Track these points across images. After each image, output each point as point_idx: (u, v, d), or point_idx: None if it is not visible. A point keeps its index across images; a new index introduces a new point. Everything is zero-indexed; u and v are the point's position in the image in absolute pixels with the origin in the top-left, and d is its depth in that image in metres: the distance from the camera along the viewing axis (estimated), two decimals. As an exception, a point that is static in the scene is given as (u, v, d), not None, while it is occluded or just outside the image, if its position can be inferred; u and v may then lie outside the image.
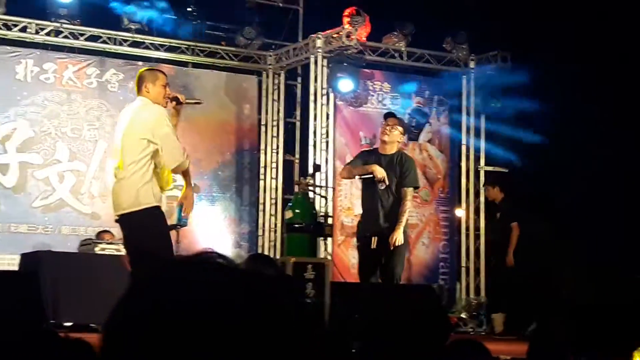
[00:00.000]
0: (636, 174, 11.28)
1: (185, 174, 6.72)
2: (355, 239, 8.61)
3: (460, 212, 12.81)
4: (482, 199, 12.70)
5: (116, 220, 6.73)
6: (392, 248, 7.58)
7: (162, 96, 6.70)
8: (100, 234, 10.31)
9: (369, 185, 8.06)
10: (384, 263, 7.72)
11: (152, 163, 6.53)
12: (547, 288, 10.02)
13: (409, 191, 7.94)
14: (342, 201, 12.10)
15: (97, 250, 9.14)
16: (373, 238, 7.70)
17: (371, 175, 7.90)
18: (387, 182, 7.81)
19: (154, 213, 6.48)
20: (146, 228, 6.39)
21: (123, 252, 8.97)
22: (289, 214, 7.02)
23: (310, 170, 11.46)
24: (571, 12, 11.42)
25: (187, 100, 6.95)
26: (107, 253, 9.11)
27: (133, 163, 6.47)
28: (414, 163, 8.45)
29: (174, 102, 6.80)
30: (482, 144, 12.80)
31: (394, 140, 8.11)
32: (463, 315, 11.87)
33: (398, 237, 7.60)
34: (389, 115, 8.75)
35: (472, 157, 12.82)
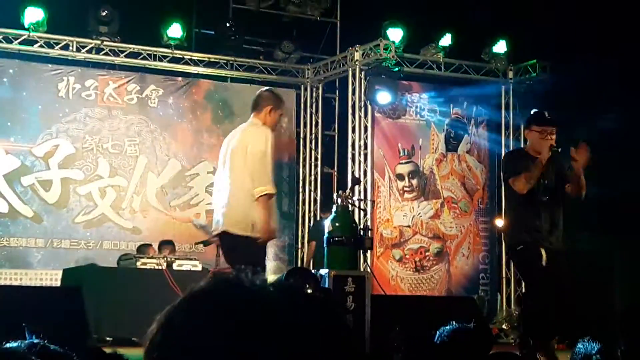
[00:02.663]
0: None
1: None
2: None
3: (500, 223, 12.73)
4: (522, 209, 12.60)
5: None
6: None
7: (273, 123, 6.82)
8: (141, 248, 10.39)
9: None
10: None
11: None
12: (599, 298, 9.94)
13: None
14: (381, 213, 12.09)
15: (139, 264, 9.22)
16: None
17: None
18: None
19: None
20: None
21: (164, 266, 9.06)
22: (329, 227, 7.02)
23: (349, 182, 11.47)
24: (611, 18, 11.33)
25: None
26: (148, 267, 9.18)
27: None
28: None
29: None
30: (522, 154, 12.71)
31: None
32: (504, 327, 11.78)
33: None
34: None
35: (511, 167, 12.73)
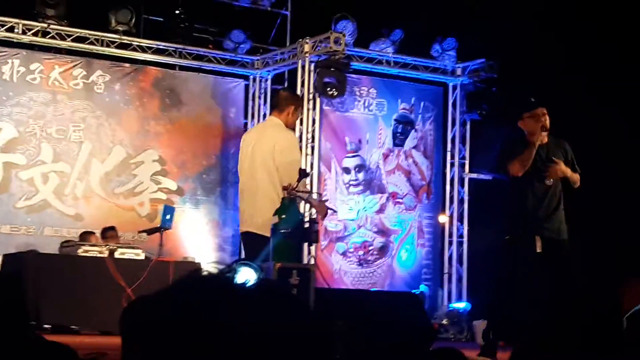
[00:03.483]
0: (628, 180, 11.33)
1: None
2: None
3: (443, 219, 12.85)
4: (466, 206, 12.76)
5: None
6: None
7: (294, 124, 7.41)
8: (84, 235, 10.28)
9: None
10: None
11: None
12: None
13: None
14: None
15: (80, 252, 9.10)
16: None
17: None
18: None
19: None
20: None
21: (106, 254, 8.97)
22: (274, 219, 7.00)
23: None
24: (558, 23, 11.47)
25: None
26: (90, 255, 9.06)
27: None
28: None
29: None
30: (467, 151, 12.86)
31: None
32: (444, 322, 11.88)
33: None
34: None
35: (457, 164, 12.87)
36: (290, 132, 7.28)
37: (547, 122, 6.63)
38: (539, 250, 6.53)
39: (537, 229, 6.55)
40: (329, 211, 8.56)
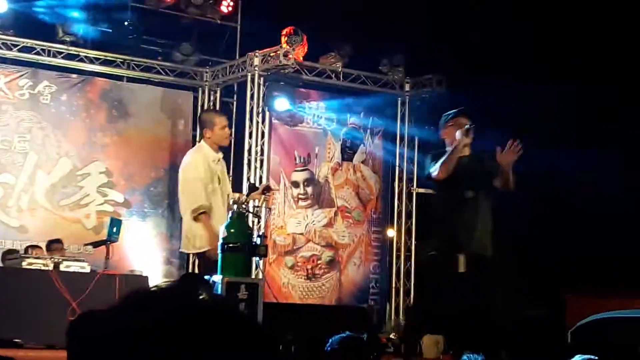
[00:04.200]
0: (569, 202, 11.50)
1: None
2: None
3: (391, 233, 12.90)
4: (413, 220, 12.83)
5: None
6: None
7: (224, 138, 8.07)
8: (29, 249, 10.13)
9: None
10: None
11: None
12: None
13: None
14: (275, 220, 12.09)
15: (24, 264, 8.95)
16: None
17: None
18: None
19: None
20: None
21: (51, 267, 8.84)
22: (223, 233, 6.97)
23: (245, 189, 11.42)
24: (509, 36, 11.62)
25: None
26: (34, 268, 8.92)
27: None
28: None
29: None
30: (415, 166, 12.94)
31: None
32: (392, 336, 11.91)
33: None
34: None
35: (405, 178, 12.94)
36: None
37: (469, 129, 6.55)
38: (461, 269, 6.40)
39: (459, 246, 6.39)
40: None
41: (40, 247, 10.24)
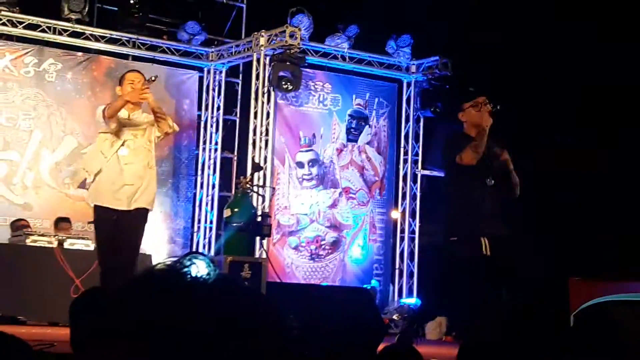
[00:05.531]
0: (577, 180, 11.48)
1: None
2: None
3: (395, 215, 12.90)
4: (418, 202, 12.83)
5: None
6: None
7: (135, 95, 6.74)
8: (15, 223, 10.21)
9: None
10: None
11: None
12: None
13: None
14: (280, 200, 12.09)
15: (29, 241, 8.98)
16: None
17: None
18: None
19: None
20: None
21: (55, 244, 8.86)
22: (227, 213, 6.97)
23: (249, 168, 11.43)
24: (512, 21, 11.57)
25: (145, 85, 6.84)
26: (38, 245, 8.95)
27: None
28: None
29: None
30: (420, 148, 12.93)
31: None
32: (395, 317, 11.94)
33: None
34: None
35: (410, 160, 12.93)
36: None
37: (490, 108, 6.39)
38: (485, 252, 6.37)
39: (481, 230, 6.31)
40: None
41: (26, 221, 10.33)
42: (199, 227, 12.52)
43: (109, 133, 6.62)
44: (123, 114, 6.69)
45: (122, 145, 6.57)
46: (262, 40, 11.70)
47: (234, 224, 6.92)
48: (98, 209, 6.68)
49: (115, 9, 12.10)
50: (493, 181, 6.35)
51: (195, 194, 12.55)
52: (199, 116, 12.70)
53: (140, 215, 6.63)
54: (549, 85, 11.43)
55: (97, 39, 11.86)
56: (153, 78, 6.75)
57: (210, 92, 12.75)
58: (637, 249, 9.89)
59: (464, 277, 6.42)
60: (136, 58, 12.20)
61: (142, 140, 6.64)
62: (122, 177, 6.53)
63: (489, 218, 6.33)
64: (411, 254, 12.78)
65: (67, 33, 11.61)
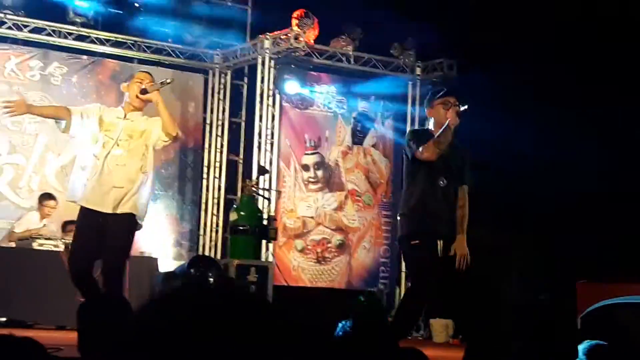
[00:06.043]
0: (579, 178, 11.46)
1: None
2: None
3: (401, 217, 12.88)
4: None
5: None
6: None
7: (135, 95, 6.43)
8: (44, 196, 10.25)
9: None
10: None
11: None
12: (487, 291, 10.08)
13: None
14: (285, 203, 12.09)
15: (35, 245, 8.99)
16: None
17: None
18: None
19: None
20: None
21: (61, 248, 8.87)
22: (234, 216, 6.96)
23: (255, 171, 11.42)
24: (518, 22, 11.56)
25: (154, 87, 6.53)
26: (44, 249, 8.96)
27: None
28: None
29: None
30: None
31: None
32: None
33: None
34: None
35: (415, 163, 12.89)
36: None
37: (459, 109, 6.30)
38: (440, 254, 6.14)
39: (438, 233, 6.17)
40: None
41: (54, 198, 10.25)
42: (204, 230, 12.51)
43: (103, 131, 6.35)
44: (119, 112, 6.49)
45: (116, 145, 6.30)
46: (267, 43, 11.71)
47: (240, 228, 6.91)
48: (83, 210, 6.52)
49: (120, 12, 12.10)
50: (445, 182, 6.23)
51: (201, 197, 12.55)
52: (205, 119, 12.71)
53: (124, 220, 6.33)
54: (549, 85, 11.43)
55: (102, 42, 11.87)
56: (168, 81, 6.52)
57: (216, 94, 12.76)
58: (637, 249, 9.87)
59: (431, 279, 6.31)
60: (141, 61, 12.21)
61: (138, 142, 6.39)
62: (111, 179, 6.30)
63: (444, 220, 6.21)
64: (417, 256, 12.75)
65: (73, 37, 11.63)
